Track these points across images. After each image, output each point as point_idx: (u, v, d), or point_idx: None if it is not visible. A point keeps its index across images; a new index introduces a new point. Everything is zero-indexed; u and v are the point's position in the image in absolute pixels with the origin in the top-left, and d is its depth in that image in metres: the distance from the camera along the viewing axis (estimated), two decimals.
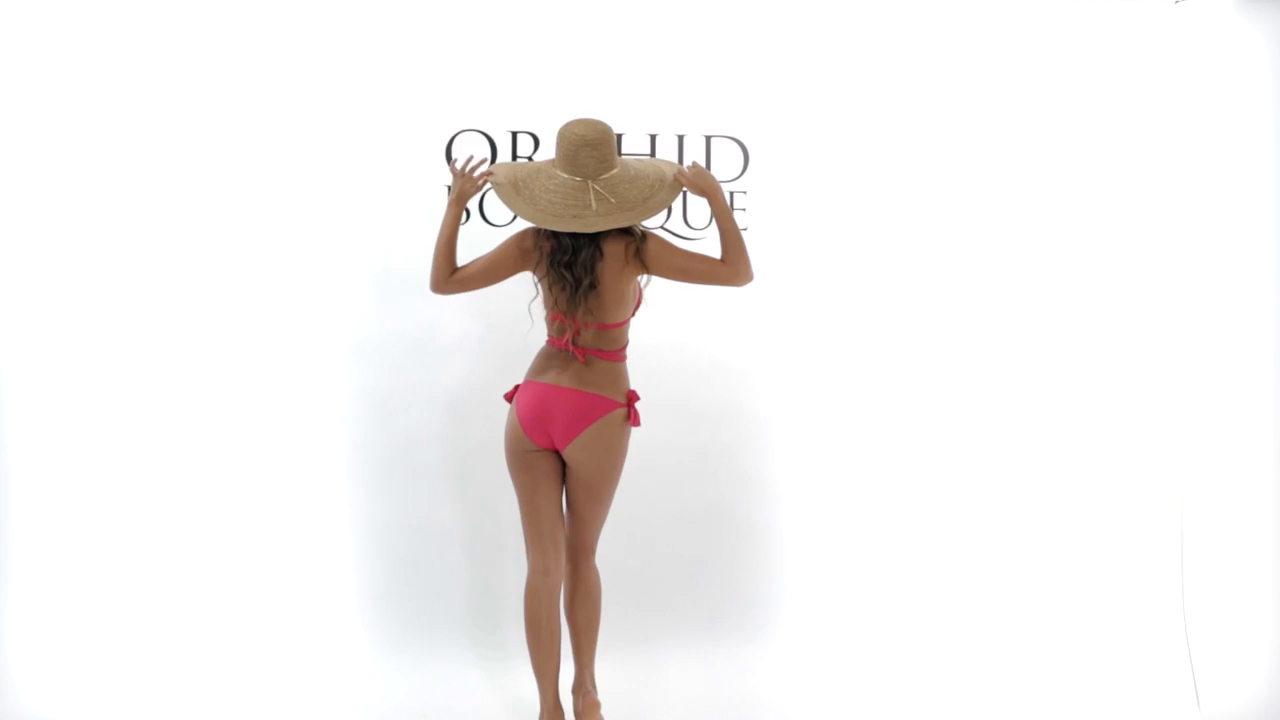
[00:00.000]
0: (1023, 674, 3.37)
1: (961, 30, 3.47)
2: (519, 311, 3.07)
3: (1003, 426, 3.51)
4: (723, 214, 2.77)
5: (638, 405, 2.87)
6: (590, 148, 2.70)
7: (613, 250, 2.76)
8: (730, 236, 2.77)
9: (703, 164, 3.38)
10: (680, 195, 2.82)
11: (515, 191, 2.74)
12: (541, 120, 3.39)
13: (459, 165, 2.83)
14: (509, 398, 2.88)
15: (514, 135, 3.39)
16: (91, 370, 3.31)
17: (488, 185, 2.85)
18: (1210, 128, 3.44)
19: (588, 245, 2.73)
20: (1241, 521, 3.40)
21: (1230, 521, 3.41)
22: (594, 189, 2.70)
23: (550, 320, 2.85)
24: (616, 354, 2.84)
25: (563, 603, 2.93)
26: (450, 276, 2.84)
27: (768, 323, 3.46)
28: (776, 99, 3.44)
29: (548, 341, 2.86)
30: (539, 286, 2.89)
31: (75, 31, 3.26)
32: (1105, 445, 3.51)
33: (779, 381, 3.49)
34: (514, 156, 3.39)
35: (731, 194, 3.41)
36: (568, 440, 2.78)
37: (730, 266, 2.78)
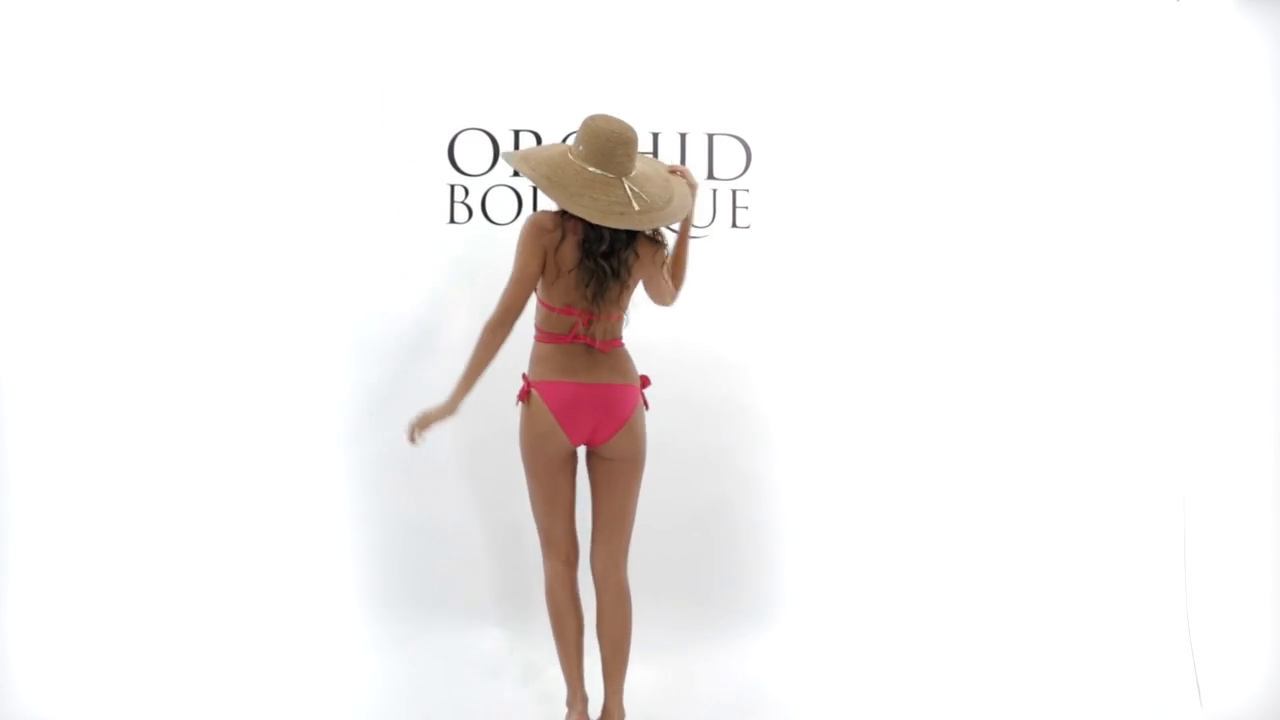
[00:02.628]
0: (1024, 671, 3.37)
1: (962, 29, 3.48)
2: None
3: (1004, 424, 3.51)
4: (687, 231, 2.86)
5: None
6: (626, 145, 2.67)
7: (644, 252, 2.76)
8: (684, 254, 2.86)
9: (698, 163, 3.42)
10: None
11: (550, 183, 2.66)
12: (544, 119, 3.39)
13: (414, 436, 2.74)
14: (523, 397, 2.79)
15: (516, 134, 3.39)
16: (92, 370, 3.31)
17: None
18: (1210, 128, 3.45)
19: (625, 246, 2.71)
20: (1244, 520, 3.40)
21: (1232, 520, 3.42)
22: (629, 188, 2.67)
23: (551, 313, 2.75)
24: (621, 339, 2.83)
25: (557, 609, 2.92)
26: (503, 326, 2.71)
27: (768, 319, 3.47)
28: (779, 97, 3.45)
29: (551, 338, 2.76)
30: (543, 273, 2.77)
31: (75, 32, 3.26)
32: (1108, 443, 3.51)
33: (779, 378, 3.49)
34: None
35: (734, 191, 3.43)
36: (610, 434, 2.77)
37: (677, 287, 2.88)
